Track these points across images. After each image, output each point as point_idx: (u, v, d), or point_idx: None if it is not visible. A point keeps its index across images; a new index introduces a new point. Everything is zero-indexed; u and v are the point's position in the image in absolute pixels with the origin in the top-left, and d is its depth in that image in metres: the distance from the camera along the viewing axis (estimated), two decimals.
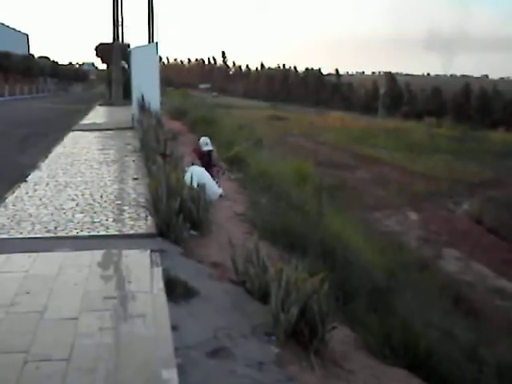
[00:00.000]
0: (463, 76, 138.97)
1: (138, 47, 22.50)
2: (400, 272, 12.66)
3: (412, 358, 5.10)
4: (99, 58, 50.95)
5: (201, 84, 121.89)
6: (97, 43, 48.34)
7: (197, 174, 9.06)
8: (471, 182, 33.00)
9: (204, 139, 11.51)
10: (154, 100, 19.79)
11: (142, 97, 19.75)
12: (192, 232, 7.30)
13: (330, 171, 29.65)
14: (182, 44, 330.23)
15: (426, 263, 17.22)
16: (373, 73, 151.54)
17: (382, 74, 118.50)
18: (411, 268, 14.86)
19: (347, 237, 11.94)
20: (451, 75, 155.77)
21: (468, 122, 68.90)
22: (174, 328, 4.43)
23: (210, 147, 11.31)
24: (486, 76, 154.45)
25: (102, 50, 47.00)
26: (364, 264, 9.61)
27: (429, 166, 36.62)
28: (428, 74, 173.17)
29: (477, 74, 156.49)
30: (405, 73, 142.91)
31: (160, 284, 5.27)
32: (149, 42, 34.25)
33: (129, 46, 38.22)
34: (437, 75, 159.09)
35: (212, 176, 10.17)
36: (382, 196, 28.49)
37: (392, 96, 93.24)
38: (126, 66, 36.07)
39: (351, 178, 32.37)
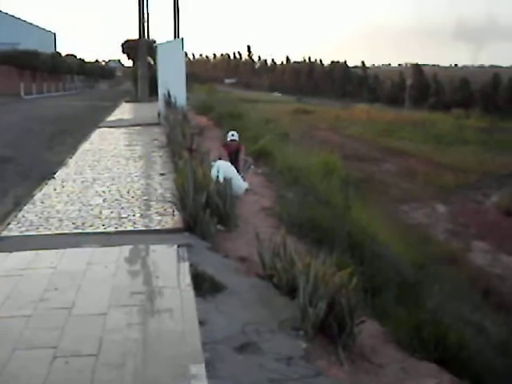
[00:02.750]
0: (492, 66, 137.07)
1: (163, 43, 22.59)
2: (428, 265, 12.54)
3: (442, 352, 5.04)
4: (125, 55, 51.22)
5: (226, 79, 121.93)
6: (123, 40, 48.60)
7: (223, 168, 9.05)
8: (500, 174, 32.54)
9: (231, 132, 11.53)
10: (180, 96, 19.85)
11: (168, 93, 19.84)
12: (219, 227, 7.29)
13: (357, 164, 29.49)
14: (207, 39, 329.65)
15: (455, 256, 17.02)
16: (399, 65, 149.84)
17: (408, 65, 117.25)
18: (440, 261, 14.70)
19: (375, 230, 11.85)
20: (479, 66, 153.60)
21: (497, 113, 67.83)
22: (201, 323, 4.43)
23: (235, 137, 11.29)
24: None
25: (128, 47, 47.22)
26: (392, 257, 9.54)
27: (457, 158, 36.17)
28: (456, 65, 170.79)
29: (506, 64, 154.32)
30: (432, 64, 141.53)
31: (187, 279, 5.28)
32: (174, 37, 34.30)
33: (155, 42, 38.37)
34: (465, 66, 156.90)
35: (238, 170, 10.16)
36: (410, 189, 28.21)
37: (419, 88, 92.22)
38: (152, 62, 36.19)
39: (378, 170, 32.10)
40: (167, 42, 23.36)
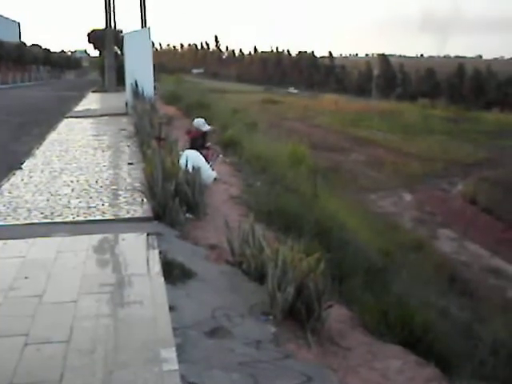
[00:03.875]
0: (457, 57, 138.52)
1: (130, 33, 22.37)
2: (396, 252, 12.73)
3: (408, 335, 5.16)
4: (92, 45, 50.72)
5: (194, 69, 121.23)
6: (89, 30, 48.12)
7: (192, 157, 9.06)
8: (466, 163, 33.07)
9: (199, 120, 11.44)
10: (148, 85, 19.74)
11: (136, 82, 19.70)
12: (188, 215, 7.33)
13: (325, 154, 29.71)
14: (174, 29, 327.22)
15: (421, 243, 17.30)
16: (366, 55, 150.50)
17: (375, 56, 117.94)
18: (407, 248, 14.93)
19: (343, 218, 11.99)
20: (445, 56, 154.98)
21: (462, 103, 68.61)
22: (172, 309, 4.46)
23: (208, 127, 11.24)
24: (480, 56, 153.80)
25: (94, 37, 46.77)
26: (360, 244, 9.67)
27: (423, 148, 36.64)
28: (422, 56, 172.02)
29: (471, 55, 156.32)
30: (398, 54, 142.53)
31: (157, 266, 5.31)
32: (141, 27, 34.02)
33: (121, 31, 38.03)
34: (431, 56, 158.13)
35: (206, 159, 10.16)
36: (377, 178, 28.54)
37: (386, 78, 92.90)
38: (119, 51, 35.89)
39: (346, 160, 32.38)
40: (134, 31, 23.17)
